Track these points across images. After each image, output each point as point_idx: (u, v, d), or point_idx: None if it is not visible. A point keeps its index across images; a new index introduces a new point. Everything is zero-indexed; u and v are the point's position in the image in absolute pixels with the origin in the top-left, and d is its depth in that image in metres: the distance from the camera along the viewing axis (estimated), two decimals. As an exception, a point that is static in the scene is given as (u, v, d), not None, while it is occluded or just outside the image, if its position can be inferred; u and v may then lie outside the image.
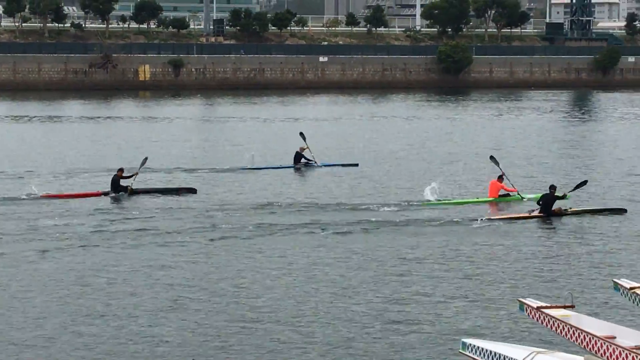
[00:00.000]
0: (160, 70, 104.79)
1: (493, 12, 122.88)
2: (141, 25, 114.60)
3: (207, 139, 57.09)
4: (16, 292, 22.35)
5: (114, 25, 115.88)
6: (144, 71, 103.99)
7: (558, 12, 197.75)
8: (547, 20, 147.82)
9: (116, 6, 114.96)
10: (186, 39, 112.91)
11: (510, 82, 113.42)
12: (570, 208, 31.95)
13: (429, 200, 33.59)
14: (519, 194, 34.68)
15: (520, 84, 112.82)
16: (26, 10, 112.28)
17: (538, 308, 16.32)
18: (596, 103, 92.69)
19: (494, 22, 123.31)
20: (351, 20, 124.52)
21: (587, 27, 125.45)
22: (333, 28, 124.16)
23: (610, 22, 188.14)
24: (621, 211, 32.10)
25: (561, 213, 31.54)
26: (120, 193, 35.55)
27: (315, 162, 43.57)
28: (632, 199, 35.12)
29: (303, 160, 43.56)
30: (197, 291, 22.39)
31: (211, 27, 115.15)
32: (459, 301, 21.59)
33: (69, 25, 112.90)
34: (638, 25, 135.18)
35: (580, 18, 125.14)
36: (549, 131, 62.02)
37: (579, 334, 15.58)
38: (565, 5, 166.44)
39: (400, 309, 20.94)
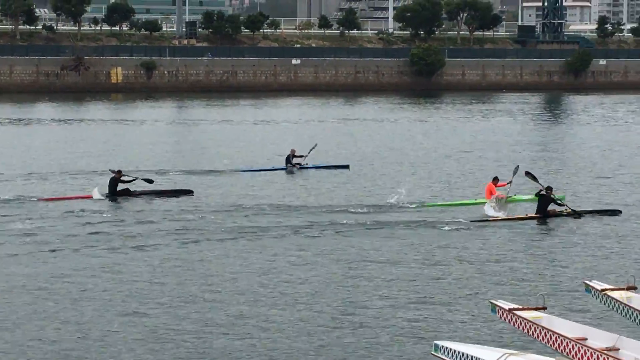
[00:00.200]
0: (133, 72, 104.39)
1: (465, 14, 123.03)
2: (113, 28, 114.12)
3: (179, 142, 56.98)
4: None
5: (86, 27, 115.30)
6: (116, 73, 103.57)
7: (530, 15, 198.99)
8: (519, 23, 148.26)
9: (88, 8, 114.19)
10: (159, 41, 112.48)
11: (483, 84, 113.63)
12: (567, 209, 32.19)
13: (397, 203, 33.76)
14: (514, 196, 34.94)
15: (493, 86, 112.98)
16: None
17: (510, 310, 16.40)
18: (568, 105, 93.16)
19: (466, 24, 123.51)
20: (324, 23, 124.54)
21: (559, 30, 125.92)
22: (306, 30, 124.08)
23: (581, 25, 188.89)
24: (616, 212, 32.65)
25: (556, 214, 31.91)
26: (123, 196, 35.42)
27: (307, 163, 43.62)
28: (600, 200, 35.43)
29: (294, 160, 43.60)
30: (163, 298, 22.38)
31: (184, 29, 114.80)
32: (431, 303, 21.63)
33: (41, 27, 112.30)
34: (609, 28, 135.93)
35: (552, 21, 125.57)
36: (521, 134, 62.28)
37: (550, 335, 15.67)
38: (537, 8, 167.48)
39: (372, 311, 20.96)
